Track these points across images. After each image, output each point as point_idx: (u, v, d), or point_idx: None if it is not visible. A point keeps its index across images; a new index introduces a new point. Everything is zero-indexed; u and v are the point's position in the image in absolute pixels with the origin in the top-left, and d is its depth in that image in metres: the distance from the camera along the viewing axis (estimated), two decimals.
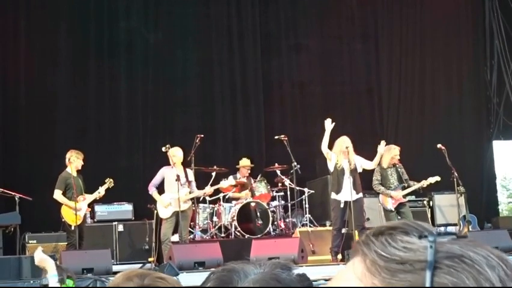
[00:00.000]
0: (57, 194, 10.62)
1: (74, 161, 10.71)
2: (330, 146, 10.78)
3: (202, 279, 1.42)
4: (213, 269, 1.46)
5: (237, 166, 12.94)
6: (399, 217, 11.58)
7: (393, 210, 11.48)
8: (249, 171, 12.92)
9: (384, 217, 11.83)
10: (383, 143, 11.01)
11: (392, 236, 0.99)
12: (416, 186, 11.52)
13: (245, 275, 1.43)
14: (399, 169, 11.57)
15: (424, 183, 11.55)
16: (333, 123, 10.66)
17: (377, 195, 13.34)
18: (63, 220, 10.67)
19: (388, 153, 11.57)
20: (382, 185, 11.50)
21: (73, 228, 10.48)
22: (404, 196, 11.54)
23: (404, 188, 11.52)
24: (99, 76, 14.17)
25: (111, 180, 11.01)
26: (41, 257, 5.49)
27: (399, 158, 11.57)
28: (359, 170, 10.78)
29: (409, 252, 0.97)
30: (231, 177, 12.30)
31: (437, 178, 11.56)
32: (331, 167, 10.78)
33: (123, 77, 14.26)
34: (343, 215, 10.62)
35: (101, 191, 10.86)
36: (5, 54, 13.66)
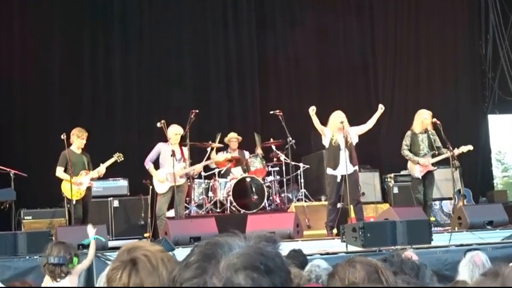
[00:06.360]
0: (59, 171, 10.64)
1: (75, 139, 10.71)
2: (326, 120, 10.74)
3: None
4: (196, 243, 1.46)
5: (225, 140, 12.85)
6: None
7: (421, 178, 11.23)
8: (237, 144, 12.86)
9: (411, 185, 11.65)
10: (380, 106, 10.85)
11: None
12: (447, 154, 11.18)
13: (229, 249, 1.44)
14: (431, 136, 11.31)
15: (456, 151, 11.24)
16: (314, 108, 10.50)
17: (372, 170, 13.35)
18: (63, 195, 10.70)
19: (417, 117, 11.37)
20: (411, 151, 11.26)
21: (74, 202, 10.49)
22: (434, 164, 11.26)
23: (434, 156, 11.25)
24: (93, 52, 14.09)
25: (120, 154, 11.02)
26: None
27: (437, 122, 11.28)
28: (356, 140, 10.71)
29: None
30: (221, 153, 12.33)
31: (470, 147, 11.40)
32: (326, 142, 10.74)
33: (117, 53, 14.19)
34: (338, 189, 10.61)
35: (101, 168, 10.86)
36: None
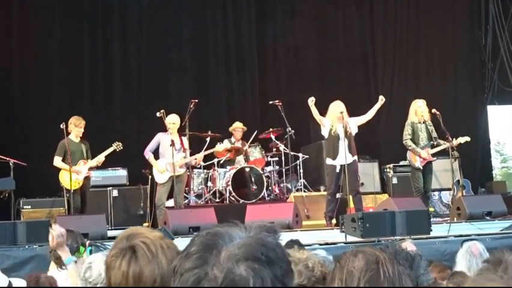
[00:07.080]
0: (56, 161, 10.66)
1: (72, 128, 10.71)
2: (325, 111, 10.73)
3: None
4: (196, 233, 1.46)
5: (230, 129, 12.89)
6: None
7: (421, 168, 11.15)
8: (242, 134, 12.87)
9: (411, 175, 11.62)
10: (381, 98, 10.83)
11: None
12: (445, 145, 11.18)
13: (230, 239, 1.44)
14: (428, 126, 11.26)
15: (454, 142, 11.22)
16: (313, 99, 10.47)
17: (371, 160, 13.33)
18: (61, 185, 10.70)
19: (412, 107, 11.31)
20: (413, 141, 11.16)
21: (72, 191, 10.49)
22: (433, 155, 11.22)
23: (433, 147, 11.21)
24: (92, 41, 14.08)
25: (119, 143, 11.03)
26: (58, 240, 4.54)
27: (437, 112, 11.22)
28: (355, 131, 10.71)
29: None
30: (226, 141, 12.33)
31: (467, 138, 11.43)
32: (325, 133, 10.73)
33: (117, 42, 14.18)
34: (338, 179, 10.60)
35: (100, 157, 10.86)
36: None
